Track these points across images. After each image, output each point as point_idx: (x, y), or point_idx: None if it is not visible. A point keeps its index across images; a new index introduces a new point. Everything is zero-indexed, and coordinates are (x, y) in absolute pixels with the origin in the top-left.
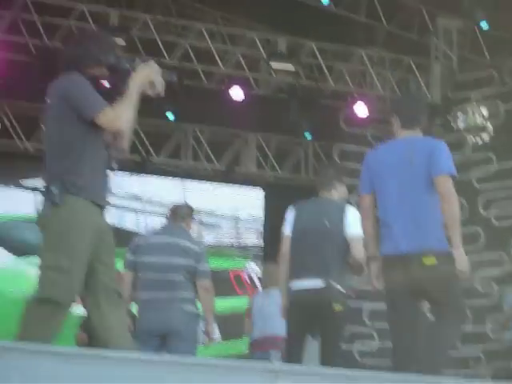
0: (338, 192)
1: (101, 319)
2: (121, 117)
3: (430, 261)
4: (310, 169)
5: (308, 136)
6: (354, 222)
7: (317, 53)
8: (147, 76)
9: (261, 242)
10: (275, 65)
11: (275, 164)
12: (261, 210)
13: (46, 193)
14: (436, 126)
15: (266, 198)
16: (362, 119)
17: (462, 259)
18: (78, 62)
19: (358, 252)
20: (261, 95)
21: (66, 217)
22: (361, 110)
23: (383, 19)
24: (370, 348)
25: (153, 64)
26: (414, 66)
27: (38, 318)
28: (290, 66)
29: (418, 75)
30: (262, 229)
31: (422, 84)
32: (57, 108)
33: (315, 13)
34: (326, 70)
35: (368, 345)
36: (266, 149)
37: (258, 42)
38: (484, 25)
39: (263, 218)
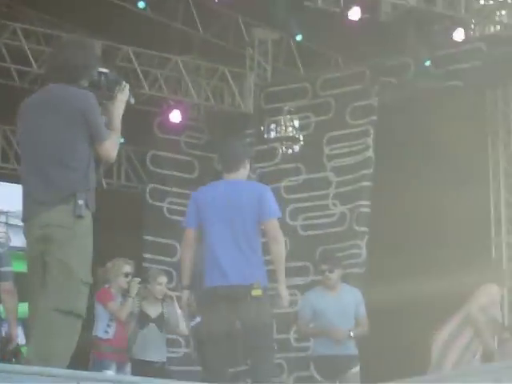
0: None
1: None
2: (115, 149)
3: (257, 292)
4: (122, 174)
5: (121, 141)
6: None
7: (132, 57)
8: (127, 101)
9: None
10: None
11: None
12: None
13: (65, 202)
14: (248, 136)
15: None
16: (176, 126)
17: (285, 294)
18: (76, 74)
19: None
20: None
21: (86, 230)
22: (175, 116)
23: (199, 27)
24: (177, 354)
25: (127, 88)
26: (228, 75)
27: (70, 331)
28: (104, 70)
29: (233, 84)
30: None
31: (236, 93)
32: (71, 121)
33: (132, 17)
34: (141, 75)
35: (176, 352)
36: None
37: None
38: (299, 37)
39: None
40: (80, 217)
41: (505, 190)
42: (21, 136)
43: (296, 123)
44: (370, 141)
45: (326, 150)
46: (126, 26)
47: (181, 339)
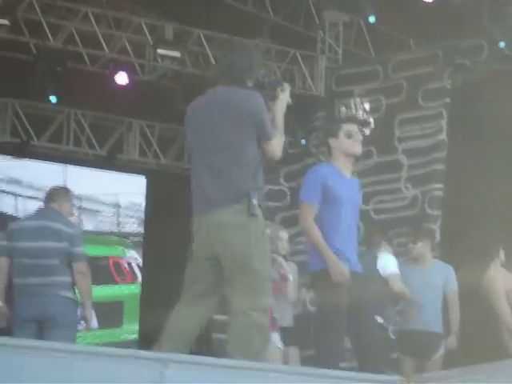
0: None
1: None
2: (281, 147)
3: None
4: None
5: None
6: None
7: (204, 41)
8: (287, 101)
9: (141, 230)
10: (161, 51)
11: (158, 151)
12: (142, 197)
13: (238, 202)
14: (320, 119)
15: (148, 185)
16: None
17: None
18: (243, 75)
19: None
20: (146, 81)
21: (261, 228)
22: None
23: (270, 10)
24: None
25: (287, 87)
26: (299, 58)
27: (266, 325)
28: (176, 53)
29: (304, 67)
30: (143, 216)
31: (307, 76)
32: (241, 121)
33: (202, 0)
34: (212, 59)
35: None
36: (150, 136)
37: (144, 27)
38: (372, 19)
39: (144, 206)
40: (254, 216)
41: None
42: (191, 138)
43: (367, 106)
44: (443, 123)
45: (398, 133)
46: (197, 10)
47: None
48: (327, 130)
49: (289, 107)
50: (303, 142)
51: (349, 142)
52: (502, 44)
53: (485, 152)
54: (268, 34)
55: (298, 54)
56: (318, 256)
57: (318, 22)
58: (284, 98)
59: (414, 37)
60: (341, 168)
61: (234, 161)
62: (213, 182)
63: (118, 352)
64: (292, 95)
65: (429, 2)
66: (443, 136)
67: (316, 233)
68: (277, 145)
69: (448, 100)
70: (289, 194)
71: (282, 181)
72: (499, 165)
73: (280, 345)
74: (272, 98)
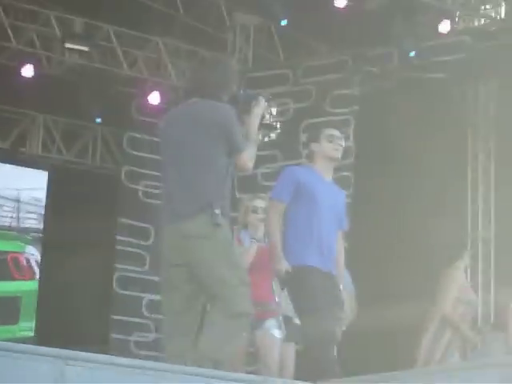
0: None
1: None
2: (253, 159)
3: None
4: (97, 154)
5: (98, 121)
6: None
7: (113, 37)
8: (262, 115)
9: (41, 226)
10: (70, 45)
11: (62, 147)
12: (43, 192)
13: (203, 212)
14: None
15: (50, 180)
16: (155, 108)
17: None
18: (217, 89)
19: None
20: (52, 75)
21: (226, 237)
22: (154, 98)
23: (181, 9)
24: (147, 339)
25: (262, 102)
26: None
27: (240, 330)
28: (84, 48)
29: None
30: (43, 212)
31: None
32: (211, 134)
33: None
34: (121, 56)
35: (145, 336)
36: (54, 131)
37: (53, 20)
38: (284, 23)
39: (45, 202)
40: (218, 225)
41: (482, 185)
42: (163, 150)
43: (274, 110)
44: (350, 130)
45: (303, 138)
46: (108, 5)
47: (150, 322)
48: (309, 134)
49: None
50: None
51: (329, 146)
52: (411, 53)
53: (391, 159)
54: (178, 32)
55: (207, 55)
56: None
57: (228, 23)
58: (258, 111)
59: (325, 43)
60: (321, 172)
61: (201, 172)
62: (181, 194)
63: (16, 347)
64: None
65: (341, 9)
66: (350, 143)
67: (273, 228)
68: (248, 157)
69: (356, 107)
70: None
71: None
72: (406, 172)
73: (276, 333)
74: (246, 111)
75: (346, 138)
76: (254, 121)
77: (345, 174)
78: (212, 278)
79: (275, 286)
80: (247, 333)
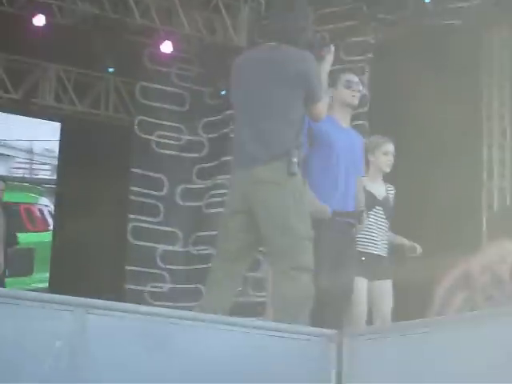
0: None
1: None
2: (326, 109)
3: None
4: (110, 105)
5: (110, 70)
6: None
7: None
8: (331, 64)
9: (55, 177)
10: None
11: (74, 97)
12: (56, 144)
13: (278, 159)
14: None
15: (63, 132)
16: (167, 57)
17: None
18: (297, 35)
19: None
20: (64, 24)
21: (299, 187)
22: (166, 47)
23: None
24: (162, 289)
25: (332, 49)
26: (222, 7)
27: (302, 286)
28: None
29: (226, 16)
30: (56, 163)
31: (229, 26)
32: (292, 82)
33: None
34: (132, 4)
35: (160, 287)
36: (66, 81)
37: None
38: None
39: (58, 153)
40: (294, 174)
41: (497, 134)
42: (236, 90)
43: None
44: (364, 78)
45: None
46: None
47: (165, 273)
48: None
49: (210, 57)
50: (223, 93)
51: (347, 92)
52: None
53: (405, 108)
54: None
55: (220, 3)
56: None
57: None
58: (329, 59)
59: None
60: (339, 119)
61: (279, 119)
62: (254, 138)
63: (37, 296)
64: (213, 44)
65: None
66: (365, 91)
67: None
68: (323, 107)
69: (371, 55)
70: (207, 145)
71: (200, 132)
72: (421, 120)
73: None
74: (318, 58)
75: (362, 86)
76: (326, 69)
77: (360, 122)
78: (279, 226)
79: None
80: (311, 288)
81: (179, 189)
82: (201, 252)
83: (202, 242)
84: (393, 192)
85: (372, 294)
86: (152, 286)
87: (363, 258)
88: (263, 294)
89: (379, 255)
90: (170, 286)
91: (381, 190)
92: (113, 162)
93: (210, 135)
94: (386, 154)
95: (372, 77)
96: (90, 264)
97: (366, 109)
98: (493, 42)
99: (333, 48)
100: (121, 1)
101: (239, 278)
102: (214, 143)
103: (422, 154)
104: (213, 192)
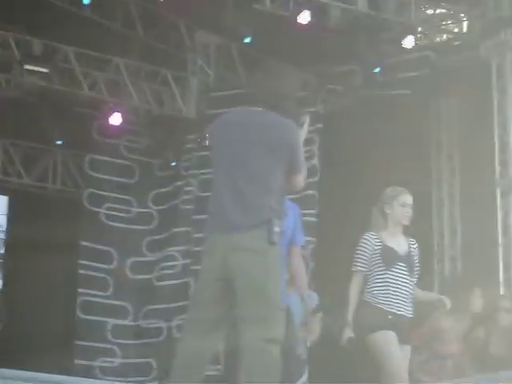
0: None
1: None
2: (304, 180)
3: None
4: (58, 178)
5: (58, 143)
6: None
7: (72, 58)
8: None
9: (2, 251)
10: (29, 67)
11: (22, 171)
12: (4, 218)
13: (258, 227)
14: (190, 142)
15: (10, 205)
16: (116, 129)
17: None
18: (285, 102)
19: None
20: (11, 97)
21: (278, 256)
22: (115, 119)
23: (140, 29)
24: (112, 364)
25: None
26: (170, 79)
27: (273, 359)
28: (43, 69)
29: (175, 88)
30: (3, 237)
31: (178, 98)
32: (276, 151)
33: (71, 18)
34: (80, 77)
35: (110, 361)
36: (13, 154)
37: (11, 42)
38: (248, 40)
39: (6, 227)
40: (274, 244)
41: (448, 200)
42: (217, 153)
43: None
44: (315, 149)
45: None
46: (66, 26)
47: (115, 347)
48: None
49: (159, 129)
50: (173, 164)
51: None
52: (376, 69)
53: (356, 176)
54: (138, 53)
55: (168, 75)
56: None
57: (188, 43)
58: (305, 129)
59: (288, 61)
60: None
61: (262, 187)
62: (235, 204)
63: None
64: (162, 116)
65: (303, 26)
66: (315, 161)
67: None
68: (302, 179)
69: (320, 125)
70: (157, 217)
71: (150, 204)
72: (370, 190)
73: None
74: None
75: (311, 157)
76: (303, 138)
77: (310, 192)
78: (257, 295)
79: None
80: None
81: (129, 262)
82: (151, 326)
83: (153, 315)
84: (415, 246)
85: None
86: (102, 361)
87: (390, 317)
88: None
89: (402, 315)
90: (121, 360)
91: (402, 244)
92: (61, 235)
93: (160, 207)
94: (403, 205)
95: (321, 147)
96: (39, 339)
97: (316, 178)
98: (441, 111)
99: (308, 118)
100: (68, 73)
101: (210, 355)
102: (164, 215)
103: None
104: (163, 264)
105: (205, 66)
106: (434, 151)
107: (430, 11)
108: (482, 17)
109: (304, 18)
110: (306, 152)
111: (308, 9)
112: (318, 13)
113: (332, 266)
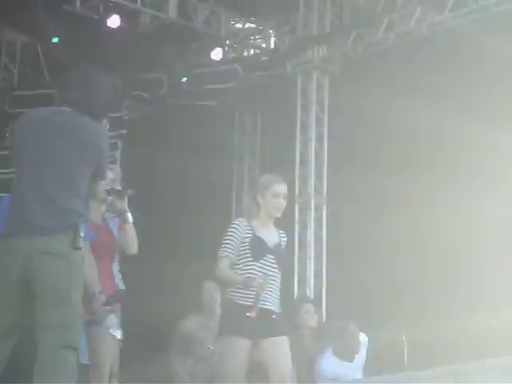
0: None
1: None
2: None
3: None
4: None
5: None
6: None
7: None
8: None
9: None
10: None
11: None
12: None
13: (65, 232)
14: None
15: None
16: None
17: None
18: (104, 111)
19: None
20: None
21: (80, 261)
22: None
23: None
24: None
25: None
26: None
27: (69, 365)
28: None
29: None
30: None
31: None
32: (86, 153)
33: None
34: None
35: None
36: None
37: None
38: (56, 40)
39: None
40: (78, 249)
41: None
42: (21, 150)
43: None
44: (117, 154)
45: None
46: None
47: None
48: None
49: None
50: None
51: None
52: (184, 79)
53: (158, 187)
54: None
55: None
56: None
57: None
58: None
59: (94, 64)
60: None
61: (69, 189)
62: (41, 207)
63: None
64: None
65: (113, 30)
66: (117, 167)
67: None
68: (103, 187)
69: (124, 131)
70: None
71: None
72: (171, 201)
73: (118, 334)
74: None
75: (114, 162)
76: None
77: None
78: (59, 301)
79: (116, 271)
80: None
81: None
82: None
83: None
84: (285, 239)
85: (265, 353)
86: None
87: (248, 314)
88: None
89: (269, 309)
90: None
91: (272, 236)
92: None
93: None
94: (275, 196)
95: (124, 152)
96: None
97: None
98: (245, 124)
99: (107, 123)
100: None
101: (4, 358)
102: None
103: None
104: None
105: (9, 63)
106: (236, 163)
107: (239, 25)
108: (291, 34)
109: (113, 22)
110: (108, 157)
111: (118, 13)
112: (128, 18)
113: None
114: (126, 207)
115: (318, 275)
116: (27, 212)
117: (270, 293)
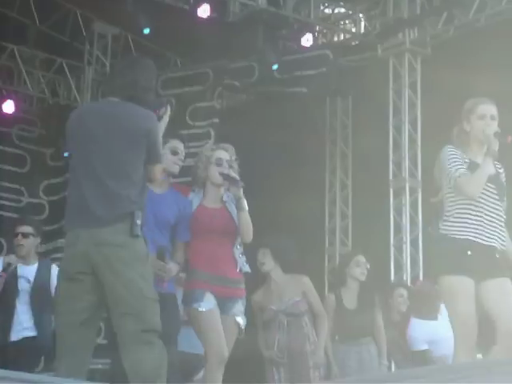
0: None
1: None
2: (162, 171)
3: None
4: None
5: None
6: None
7: None
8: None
9: None
10: None
11: None
12: None
13: (121, 220)
14: None
15: None
16: (9, 117)
17: None
18: (142, 93)
19: None
20: None
21: (143, 248)
22: (8, 107)
23: (36, 17)
24: None
25: (168, 111)
26: (66, 68)
27: (157, 349)
28: None
29: (70, 77)
30: None
31: (73, 87)
32: (135, 141)
33: None
34: None
35: None
36: None
37: None
38: (147, 31)
39: None
40: (137, 236)
41: (340, 200)
42: (75, 144)
43: None
44: (210, 143)
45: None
46: None
47: None
48: None
49: (53, 118)
50: (66, 154)
51: (173, 158)
52: (274, 66)
53: (251, 173)
54: (33, 41)
55: (64, 64)
56: None
57: (84, 33)
58: (166, 119)
59: (185, 54)
60: (154, 185)
61: (124, 179)
62: (98, 197)
63: None
64: (56, 105)
65: (203, 19)
66: None
67: None
68: (161, 169)
69: (216, 120)
70: (47, 207)
71: (41, 194)
72: (263, 187)
73: (241, 322)
74: (157, 118)
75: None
76: (162, 129)
77: None
78: (127, 288)
79: (238, 256)
80: (164, 350)
81: None
82: None
83: None
84: (502, 170)
85: (486, 298)
86: None
87: (469, 253)
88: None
89: (491, 246)
90: None
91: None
92: None
93: (51, 197)
94: (482, 118)
95: (217, 141)
96: None
97: None
98: (336, 109)
99: (169, 108)
100: None
101: (92, 343)
102: (55, 206)
103: (262, 221)
104: (54, 256)
105: (101, 56)
106: (329, 149)
107: (328, 10)
108: (381, 17)
109: (203, 11)
110: (200, 146)
111: (208, 3)
112: (218, 7)
113: None
114: (241, 194)
115: (414, 260)
116: (85, 203)
117: (491, 227)
